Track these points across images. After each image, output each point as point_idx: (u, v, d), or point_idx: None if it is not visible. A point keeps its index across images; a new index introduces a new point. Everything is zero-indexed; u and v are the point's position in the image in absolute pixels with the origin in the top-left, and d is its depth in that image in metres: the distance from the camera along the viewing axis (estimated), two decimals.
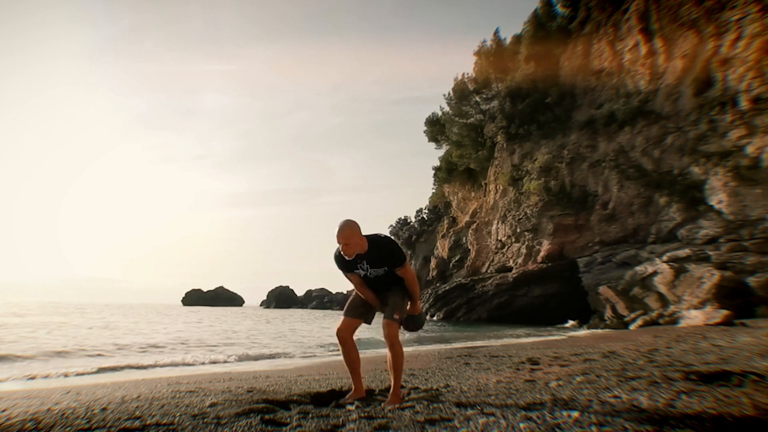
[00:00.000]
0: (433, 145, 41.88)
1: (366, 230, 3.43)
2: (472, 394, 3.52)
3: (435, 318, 27.67)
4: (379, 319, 3.59)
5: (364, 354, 4.23)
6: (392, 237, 3.81)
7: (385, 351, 3.43)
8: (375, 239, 3.38)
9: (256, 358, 9.88)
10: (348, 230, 3.24)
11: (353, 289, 3.68)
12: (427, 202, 48.87)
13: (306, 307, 77.62)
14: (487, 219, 33.96)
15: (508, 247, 30.07)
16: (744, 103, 19.59)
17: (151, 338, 14.30)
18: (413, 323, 3.67)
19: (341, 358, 3.57)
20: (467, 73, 37.74)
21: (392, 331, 3.36)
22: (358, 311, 3.56)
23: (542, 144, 29.49)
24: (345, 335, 3.50)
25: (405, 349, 3.56)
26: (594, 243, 24.74)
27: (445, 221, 41.84)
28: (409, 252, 47.03)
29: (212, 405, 3.23)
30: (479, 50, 36.62)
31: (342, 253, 3.32)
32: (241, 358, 9.64)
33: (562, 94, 29.33)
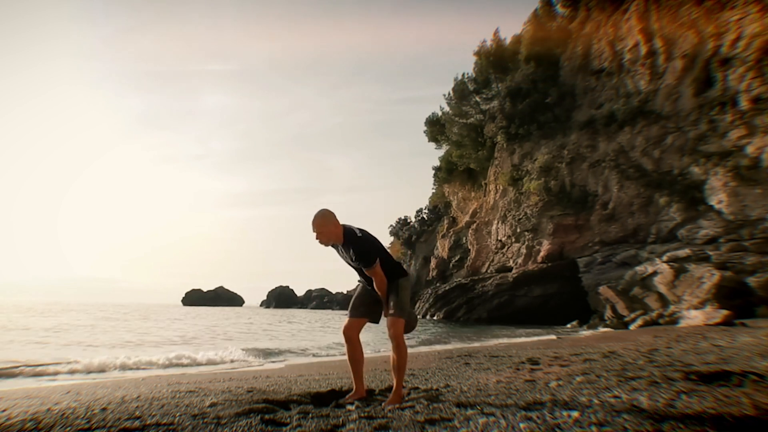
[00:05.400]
0: (433, 145, 41.90)
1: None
2: (472, 394, 3.52)
3: (435, 318, 27.68)
4: (382, 321, 3.57)
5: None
6: (368, 234, 3.42)
7: (383, 353, 3.43)
8: (349, 235, 3.31)
9: None
10: (320, 219, 3.25)
11: (354, 288, 3.69)
12: (427, 202, 48.87)
13: (306, 307, 77.62)
14: (487, 219, 33.94)
15: (508, 247, 30.06)
16: (744, 103, 19.59)
17: None
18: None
19: (340, 358, 3.57)
20: (467, 73, 37.78)
21: (398, 329, 3.34)
22: (360, 310, 3.56)
23: (542, 144, 29.47)
24: (351, 334, 3.50)
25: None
26: (594, 243, 24.73)
27: (445, 221, 41.83)
28: (408, 252, 47.02)
29: (212, 405, 3.23)
30: (479, 50, 36.59)
31: (317, 240, 3.28)
32: None
33: (562, 94, 29.32)
